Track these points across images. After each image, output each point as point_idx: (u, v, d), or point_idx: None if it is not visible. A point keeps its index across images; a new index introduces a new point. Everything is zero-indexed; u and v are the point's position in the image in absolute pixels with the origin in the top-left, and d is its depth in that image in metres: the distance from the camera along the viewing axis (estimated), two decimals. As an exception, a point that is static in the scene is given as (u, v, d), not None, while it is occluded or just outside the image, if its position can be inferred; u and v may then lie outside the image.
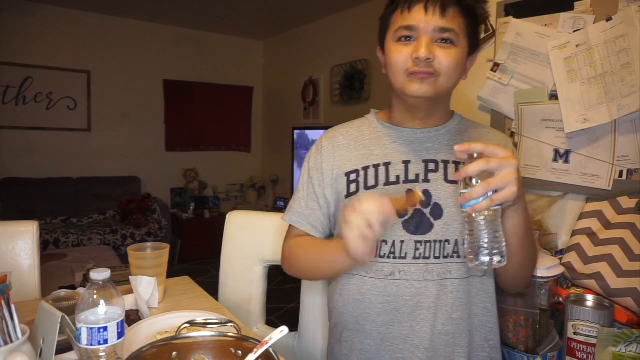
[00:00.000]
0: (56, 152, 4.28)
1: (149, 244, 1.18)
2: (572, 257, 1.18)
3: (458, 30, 0.83)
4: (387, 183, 0.91)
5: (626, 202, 1.17)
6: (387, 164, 0.92)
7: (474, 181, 0.69)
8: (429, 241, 0.87)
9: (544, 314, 1.13)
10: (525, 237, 0.84)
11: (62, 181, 4.24)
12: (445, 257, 0.88)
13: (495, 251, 0.70)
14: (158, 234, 4.13)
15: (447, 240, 0.88)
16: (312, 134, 4.01)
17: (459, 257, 0.88)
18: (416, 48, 0.82)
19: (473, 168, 0.69)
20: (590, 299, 1.03)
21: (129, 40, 4.57)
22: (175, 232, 4.44)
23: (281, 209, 4.45)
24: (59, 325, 0.71)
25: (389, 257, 0.88)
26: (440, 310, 0.88)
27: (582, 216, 1.25)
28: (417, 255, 0.87)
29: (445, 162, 0.92)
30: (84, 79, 4.39)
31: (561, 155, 1.35)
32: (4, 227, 1.32)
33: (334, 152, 0.97)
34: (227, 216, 1.46)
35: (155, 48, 4.71)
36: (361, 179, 0.92)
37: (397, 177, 0.91)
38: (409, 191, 0.83)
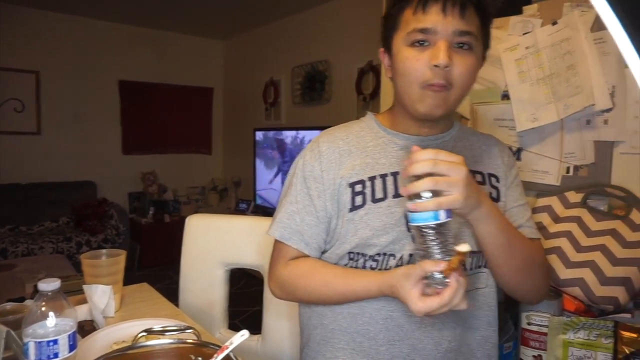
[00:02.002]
0: (2, 156, 4.05)
1: (104, 250, 1.14)
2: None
3: (477, 33, 0.76)
4: (396, 195, 0.82)
5: (573, 196, 1.24)
6: (394, 174, 0.84)
7: (422, 195, 0.65)
8: None
9: (500, 307, 1.17)
10: (505, 247, 0.77)
11: (10, 188, 4.02)
12: None
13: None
14: (115, 240, 3.99)
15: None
16: (274, 134, 3.98)
17: (465, 269, 0.82)
18: (435, 54, 0.73)
19: (419, 167, 0.65)
20: (542, 291, 1.07)
21: (81, 39, 4.38)
22: (134, 238, 4.30)
23: (244, 212, 4.41)
24: (3, 340, 0.67)
25: None
26: (445, 326, 0.83)
27: (533, 211, 1.31)
28: None
29: None
30: (32, 80, 4.18)
31: (513, 153, 1.41)
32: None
33: (336, 160, 0.86)
34: (187, 220, 1.43)
35: (109, 47, 4.55)
36: (368, 191, 0.83)
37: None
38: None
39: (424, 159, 0.65)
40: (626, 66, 1.16)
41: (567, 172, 1.29)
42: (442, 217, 0.64)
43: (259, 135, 4.16)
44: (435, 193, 0.65)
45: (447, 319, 0.82)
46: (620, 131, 1.18)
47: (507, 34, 1.39)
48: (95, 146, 4.53)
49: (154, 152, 4.93)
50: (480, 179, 0.88)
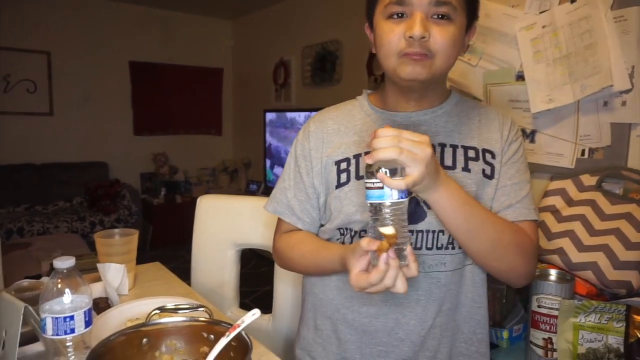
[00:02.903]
0: (16, 137, 4.10)
1: (117, 230, 1.15)
2: (536, 234, 1.22)
3: (455, 3, 0.75)
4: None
5: (588, 179, 1.22)
6: None
7: (381, 171, 0.63)
8: (421, 231, 0.81)
9: (510, 289, 1.17)
10: (463, 228, 0.76)
11: (24, 168, 4.08)
12: (439, 249, 0.82)
13: (402, 246, 0.65)
14: (128, 220, 4.05)
15: (442, 231, 0.81)
16: (291, 115, 3.95)
17: (453, 248, 0.82)
18: (409, 26, 0.73)
19: (382, 141, 0.63)
20: (553, 273, 1.07)
21: (90, 20, 4.37)
22: (146, 218, 4.36)
23: (254, 193, 4.43)
24: (21, 316, 0.69)
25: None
26: (430, 303, 0.83)
27: (546, 194, 1.29)
28: (416, 244, 0.81)
29: (442, 146, 0.84)
30: (44, 60, 4.20)
31: (527, 135, 1.38)
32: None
33: (323, 138, 0.90)
34: (198, 200, 1.44)
35: (119, 28, 4.53)
36: (352, 168, 0.85)
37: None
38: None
39: (388, 135, 0.64)
40: (647, 45, 1.13)
41: (582, 154, 1.27)
42: (395, 196, 0.64)
43: (277, 114, 4.14)
44: (393, 172, 0.64)
45: (433, 296, 0.83)
46: (638, 113, 1.15)
47: (523, 13, 1.36)
48: (106, 127, 4.56)
49: (164, 133, 4.95)
50: (474, 155, 0.85)
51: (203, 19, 5.06)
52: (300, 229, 0.93)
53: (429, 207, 0.80)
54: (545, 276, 1.06)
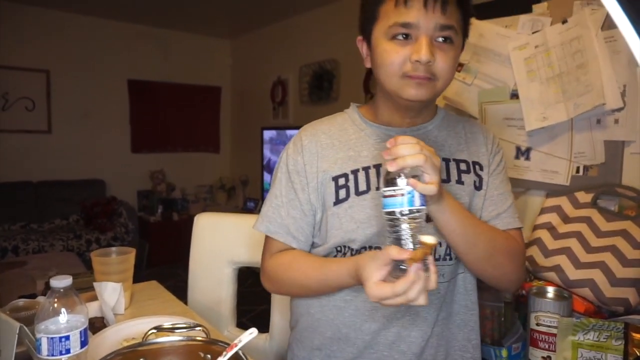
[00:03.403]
0: (14, 154, 4.10)
1: (113, 248, 1.15)
2: (533, 251, 1.22)
3: (457, 26, 0.76)
4: (379, 187, 0.80)
5: (583, 196, 1.23)
6: (377, 167, 0.84)
7: (398, 181, 0.64)
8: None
9: (508, 307, 1.17)
10: (464, 237, 0.77)
11: (21, 185, 4.07)
12: (437, 260, 0.83)
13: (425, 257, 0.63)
14: (125, 238, 4.03)
15: (440, 243, 0.82)
16: (291, 132, 3.97)
17: (451, 259, 0.84)
18: (417, 50, 0.73)
19: (408, 149, 0.64)
20: (550, 291, 1.07)
21: (89, 38, 4.42)
22: (143, 236, 4.34)
23: (252, 210, 4.42)
24: (17, 336, 0.68)
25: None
26: (430, 314, 0.84)
27: (542, 211, 1.30)
28: None
29: None
30: (43, 79, 4.23)
31: (522, 153, 1.40)
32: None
33: (317, 153, 0.87)
34: (195, 218, 1.44)
35: (118, 46, 4.58)
36: (351, 184, 0.84)
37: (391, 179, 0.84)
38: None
39: (412, 142, 0.65)
40: (637, 65, 1.15)
41: (577, 172, 1.28)
42: (417, 203, 0.64)
43: (272, 132, 4.16)
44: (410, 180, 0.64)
45: (433, 307, 0.84)
46: (631, 131, 1.17)
47: (516, 33, 1.39)
48: (104, 144, 4.57)
49: (162, 151, 4.96)
50: (465, 168, 0.87)
51: (202, 37, 5.13)
52: (293, 249, 0.89)
53: (427, 221, 0.79)
54: (543, 294, 1.06)
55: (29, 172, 4.15)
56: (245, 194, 5.03)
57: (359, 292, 0.82)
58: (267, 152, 4.21)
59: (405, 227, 0.64)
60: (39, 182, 4.17)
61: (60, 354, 0.67)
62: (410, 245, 0.63)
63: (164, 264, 4.26)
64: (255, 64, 4.97)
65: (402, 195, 0.64)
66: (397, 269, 0.64)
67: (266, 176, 4.26)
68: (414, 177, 0.65)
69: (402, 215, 0.64)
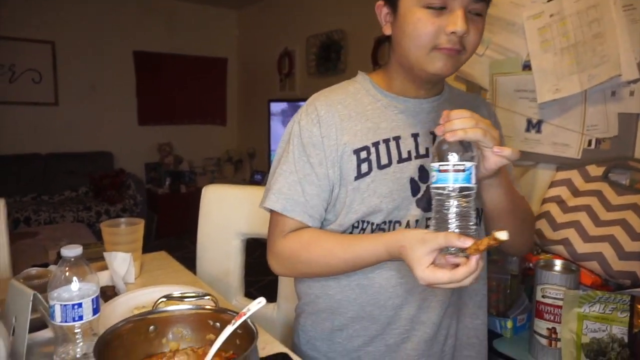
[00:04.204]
0: (22, 127, 4.12)
1: (122, 219, 1.16)
2: (542, 225, 1.22)
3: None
4: (400, 160, 0.81)
5: (594, 170, 1.21)
6: (397, 139, 0.81)
7: (449, 156, 0.63)
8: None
9: (515, 279, 1.17)
10: (509, 209, 0.78)
11: (30, 157, 4.10)
12: None
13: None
14: (133, 210, 4.07)
15: None
16: (303, 104, 3.93)
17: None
18: (453, 21, 0.70)
19: (465, 122, 0.63)
20: (558, 264, 1.07)
21: (94, 9, 4.36)
22: (151, 208, 4.38)
23: (259, 183, 4.44)
24: (31, 303, 0.70)
25: None
26: None
27: (552, 184, 1.29)
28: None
29: None
30: (48, 50, 4.20)
31: (533, 125, 1.38)
32: (-31, 205, 1.28)
33: (336, 124, 0.81)
34: (203, 190, 1.45)
35: (123, 17, 4.52)
36: (373, 157, 0.81)
37: (409, 152, 0.82)
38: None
39: (467, 116, 0.64)
40: (657, 34, 1.11)
41: (589, 145, 1.26)
42: (473, 181, 0.63)
43: (281, 105, 4.12)
44: (461, 155, 0.63)
45: None
46: (646, 103, 1.14)
47: (530, 1, 1.34)
48: (111, 117, 4.57)
49: (169, 123, 4.95)
50: None
51: (208, 8, 5.03)
52: (307, 227, 0.83)
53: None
54: (550, 267, 1.06)
55: (38, 144, 4.17)
56: (252, 167, 5.03)
57: (382, 268, 0.82)
58: (276, 125, 4.19)
59: (455, 205, 0.62)
60: (47, 155, 4.20)
61: (74, 320, 0.68)
62: (456, 224, 0.62)
63: (172, 235, 4.31)
64: (261, 35, 4.88)
65: (460, 171, 0.62)
66: (447, 251, 0.63)
67: (274, 148, 4.25)
68: (463, 153, 0.63)
69: (455, 192, 0.62)
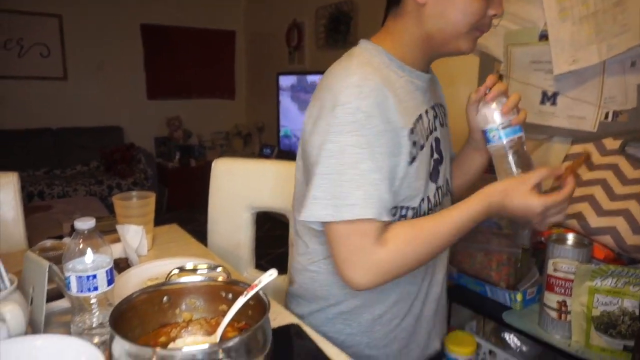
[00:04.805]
0: (31, 102, 4.13)
1: (134, 192, 1.17)
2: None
3: None
4: (426, 139, 0.80)
5: (611, 143, 1.19)
6: (420, 117, 0.79)
7: (495, 115, 0.77)
8: (440, 186, 0.84)
9: (526, 253, 1.17)
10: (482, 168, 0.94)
11: (41, 132, 4.13)
12: (445, 196, 0.87)
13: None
14: (144, 184, 4.11)
15: (447, 180, 0.88)
16: (311, 78, 3.86)
17: (449, 194, 0.91)
18: (498, 5, 0.74)
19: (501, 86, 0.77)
20: (570, 238, 1.06)
21: (100, -20, 4.30)
22: (162, 182, 4.42)
23: (267, 156, 4.43)
24: (47, 274, 0.71)
25: (428, 213, 0.81)
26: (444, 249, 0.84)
27: (566, 158, 1.27)
28: (436, 202, 0.83)
29: (437, 106, 0.87)
30: (56, 24, 4.16)
31: (549, 98, 1.34)
32: (-17, 179, 1.29)
33: (389, 108, 0.73)
34: (213, 163, 1.45)
35: (129, -11, 4.45)
36: (417, 138, 0.77)
37: (428, 129, 0.81)
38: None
39: (499, 81, 0.78)
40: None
41: (605, 117, 1.23)
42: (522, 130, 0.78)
43: (291, 78, 4.07)
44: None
45: None
46: (668, 73, 1.10)
47: (550, -33, 1.29)
48: (120, 91, 4.56)
49: (178, 97, 4.93)
50: (443, 112, 0.90)
51: (214, -22, 4.93)
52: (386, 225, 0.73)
53: (439, 165, 0.84)
54: (562, 241, 1.06)
55: (48, 119, 4.19)
56: (261, 140, 5.02)
57: None
58: (285, 99, 4.15)
59: (523, 150, 0.76)
60: (58, 129, 4.22)
61: (89, 291, 0.70)
62: (527, 165, 0.76)
63: (183, 209, 4.36)
64: (270, 7, 4.78)
65: (513, 124, 0.77)
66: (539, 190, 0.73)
67: (283, 121, 4.22)
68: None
69: (523, 139, 0.77)
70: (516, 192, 0.69)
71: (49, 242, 0.98)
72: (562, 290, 1.01)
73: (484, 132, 0.80)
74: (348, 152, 0.70)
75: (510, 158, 0.76)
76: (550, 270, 1.03)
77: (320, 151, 0.72)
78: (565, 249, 1.02)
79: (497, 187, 0.72)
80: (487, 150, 0.82)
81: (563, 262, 1.01)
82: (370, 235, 0.70)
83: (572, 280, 1.00)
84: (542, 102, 1.35)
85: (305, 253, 0.89)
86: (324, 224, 0.74)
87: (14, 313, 0.64)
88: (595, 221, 1.08)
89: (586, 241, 1.05)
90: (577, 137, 1.28)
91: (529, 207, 0.68)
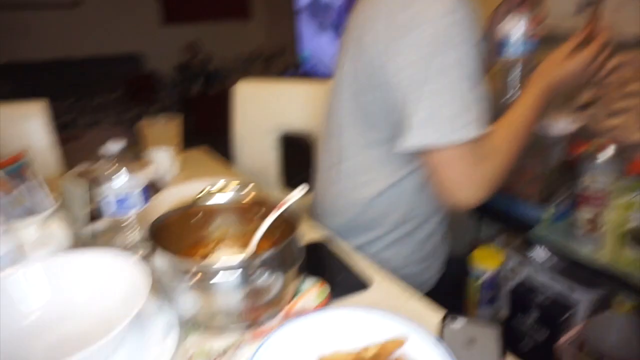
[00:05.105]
0: (46, 31, 4.06)
1: (160, 116, 1.18)
2: (592, 111, 1.15)
3: None
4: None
5: (660, 49, 1.09)
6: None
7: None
8: None
9: (559, 168, 1.14)
10: None
11: (63, 62, 4.12)
12: None
13: None
14: (168, 111, 4.14)
15: None
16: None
17: None
18: None
19: None
20: (607, 152, 1.02)
21: None
22: (185, 109, 4.43)
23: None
24: (85, 195, 0.73)
25: None
26: None
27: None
28: None
29: None
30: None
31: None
32: (12, 109, 1.32)
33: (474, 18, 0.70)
34: (236, 86, 1.42)
35: None
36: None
37: None
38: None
39: None
40: None
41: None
42: None
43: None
44: None
45: None
46: None
47: None
48: (136, 17, 4.43)
49: (195, 21, 4.77)
50: None
51: None
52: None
53: None
54: (599, 154, 1.02)
55: (65, 48, 4.15)
56: (283, 62, 4.90)
57: None
58: (304, 19, 3.96)
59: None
60: (80, 59, 4.19)
61: (126, 210, 0.72)
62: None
63: (206, 135, 4.39)
64: None
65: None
66: None
67: (305, 43, 4.07)
68: None
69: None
70: (558, 61, 0.74)
71: (84, 167, 1.01)
72: (597, 203, 0.99)
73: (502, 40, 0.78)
74: (457, 66, 0.65)
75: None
76: (585, 183, 1.00)
77: (422, 69, 0.65)
78: (602, 163, 0.99)
79: (541, 67, 0.75)
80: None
81: (599, 175, 0.98)
82: (477, 152, 0.68)
83: (606, 195, 0.98)
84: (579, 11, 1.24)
85: (369, 182, 0.85)
86: (426, 149, 0.68)
87: (59, 229, 0.67)
88: (634, 134, 1.03)
89: (624, 155, 1.01)
90: (622, 45, 1.18)
91: (576, 66, 0.73)
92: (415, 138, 0.67)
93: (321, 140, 0.99)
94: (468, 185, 0.69)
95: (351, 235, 0.89)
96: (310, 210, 1.04)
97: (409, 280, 0.82)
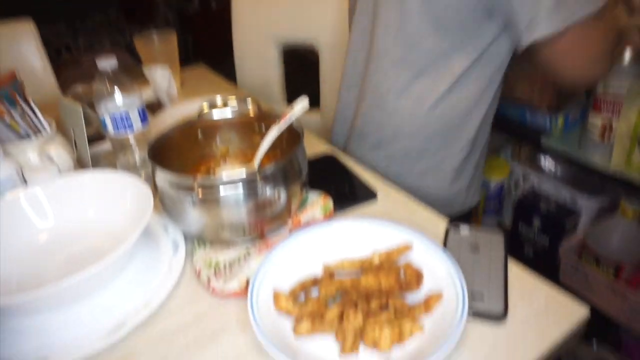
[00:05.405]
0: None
1: (154, 31, 1.12)
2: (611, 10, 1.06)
3: None
4: None
5: None
6: None
7: None
8: None
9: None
10: None
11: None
12: None
13: None
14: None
15: None
16: None
17: None
18: None
19: None
20: (626, 56, 0.96)
21: None
22: (184, 28, 4.24)
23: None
24: (82, 116, 0.72)
25: None
26: None
27: None
28: None
29: None
30: None
31: None
32: None
33: None
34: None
35: None
36: None
37: None
38: None
39: None
40: None
41: None
42: None
43: None
44: None
45: None
46: None
47: None
48: None
49: None
50: None
51: None
52: None
53: None
54: (616, 57, 0.96)
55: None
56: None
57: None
58: None
59: None
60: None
61: (125, 129, 0.71)
62: None
63: (207, 55, 4.25)
64: None
65: None
66: None
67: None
68: None
69: None
70: None
71: (79, 87, 0.99)
72: (610, 109, 0.96)
73: None
74: None
75: None
76: (600, 87, 0.96)
77: None
78: (619, 66, 0.93)
79: None
80: None
81: (615, 80, 0.94)
82: (599, 29, 0.69)
83: (621, 103, 0.94)
84: None
85: (430, 90, 0.81)
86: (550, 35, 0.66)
87: (59, 152, 0.67)
88: (660, 32, 0.96)
89: (643, 57, 0.95)
90: None
91: None
92: (553, 23, 0.64)
93: (351, 58, 0.92)
94: (603, 57, 0.72)
95: (413, 161, 0.87)
96: (335, 133, 1.02)
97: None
